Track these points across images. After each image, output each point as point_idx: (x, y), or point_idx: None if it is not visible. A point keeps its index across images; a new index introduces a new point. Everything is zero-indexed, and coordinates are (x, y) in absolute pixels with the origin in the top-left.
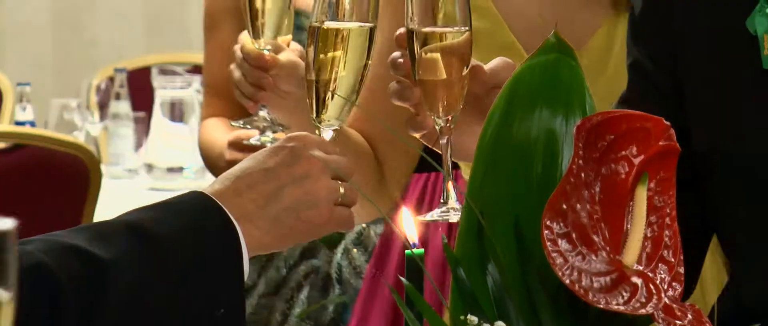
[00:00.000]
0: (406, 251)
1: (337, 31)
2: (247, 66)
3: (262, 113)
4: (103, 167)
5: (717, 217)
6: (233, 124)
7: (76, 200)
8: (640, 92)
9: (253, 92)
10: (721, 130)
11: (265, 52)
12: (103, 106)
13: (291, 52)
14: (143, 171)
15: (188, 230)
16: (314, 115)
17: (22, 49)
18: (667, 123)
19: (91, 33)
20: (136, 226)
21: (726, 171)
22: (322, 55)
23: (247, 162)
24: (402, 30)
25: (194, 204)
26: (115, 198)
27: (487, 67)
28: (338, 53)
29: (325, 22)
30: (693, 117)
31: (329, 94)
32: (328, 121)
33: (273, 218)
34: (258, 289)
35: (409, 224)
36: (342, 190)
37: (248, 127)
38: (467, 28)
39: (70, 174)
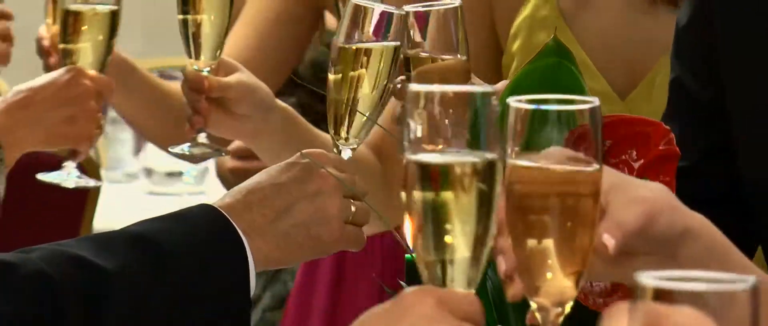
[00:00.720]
0: (406, 256)
1: (360, 50)
2: (185, 88)
3: (201, 138)
4: (102, 172)
5: (762, 229)
6: (170, 150)
7: (75, 204)
8: (676, 109)
9: (189, 116)
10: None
11: (204, 73)
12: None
13: (246, 73)
14: (142, 175)
15: (195, 243)
16: (333, 133)
17: (21, 54)
18: (667, 127)
19: None
20: (142, 238)
21: None
22: (343, 74)
23: (260, 176)
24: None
25: (202, 217)
26: (115, 203)
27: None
28: (360, 72)
29: (348, 41)
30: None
31: (350, 113)
32: (348, 140)
33: (282, 233)
34: (263, 303)
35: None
36: (353, 209)
37: (186, 152)
38: None
39: None
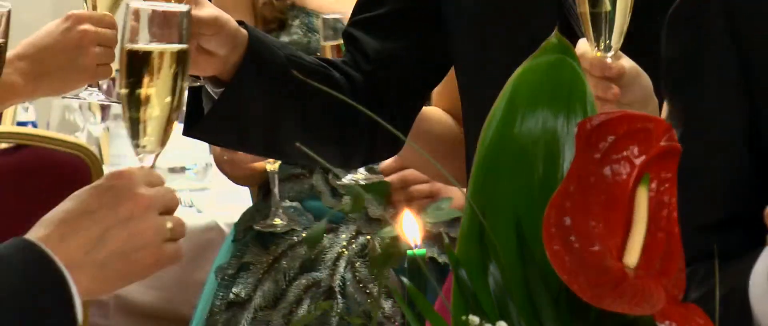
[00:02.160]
0: (408, 251)
1: (148, 53)
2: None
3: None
4: (104, 168)
5: None
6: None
7: None
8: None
9: None
10: None
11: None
12: (105, 107)
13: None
14: None
15: (19, 288)
16: (132, 141)
17: None
18: (668, 123)
19: None
20: None
21: None
22: (135, 78)
23: (70, 203)
24: None
25: (23, 257)
26: None
27: None
28: (152, 76)
29: (135, 44)
30: None
31: (146, 119)
32: (146, 147)
33: (100, 264)
34: (255, 302)
35: (411, 226)
36: (169, 225)
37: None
38: None
39: (71, 174)
